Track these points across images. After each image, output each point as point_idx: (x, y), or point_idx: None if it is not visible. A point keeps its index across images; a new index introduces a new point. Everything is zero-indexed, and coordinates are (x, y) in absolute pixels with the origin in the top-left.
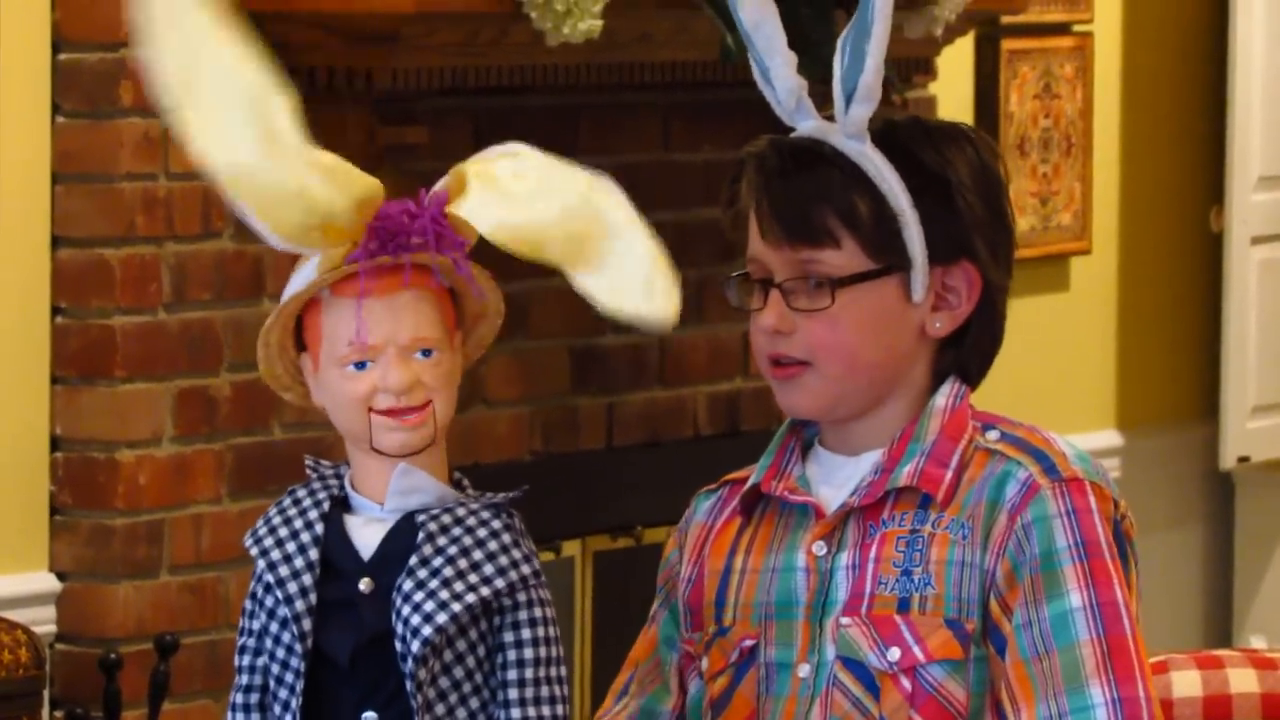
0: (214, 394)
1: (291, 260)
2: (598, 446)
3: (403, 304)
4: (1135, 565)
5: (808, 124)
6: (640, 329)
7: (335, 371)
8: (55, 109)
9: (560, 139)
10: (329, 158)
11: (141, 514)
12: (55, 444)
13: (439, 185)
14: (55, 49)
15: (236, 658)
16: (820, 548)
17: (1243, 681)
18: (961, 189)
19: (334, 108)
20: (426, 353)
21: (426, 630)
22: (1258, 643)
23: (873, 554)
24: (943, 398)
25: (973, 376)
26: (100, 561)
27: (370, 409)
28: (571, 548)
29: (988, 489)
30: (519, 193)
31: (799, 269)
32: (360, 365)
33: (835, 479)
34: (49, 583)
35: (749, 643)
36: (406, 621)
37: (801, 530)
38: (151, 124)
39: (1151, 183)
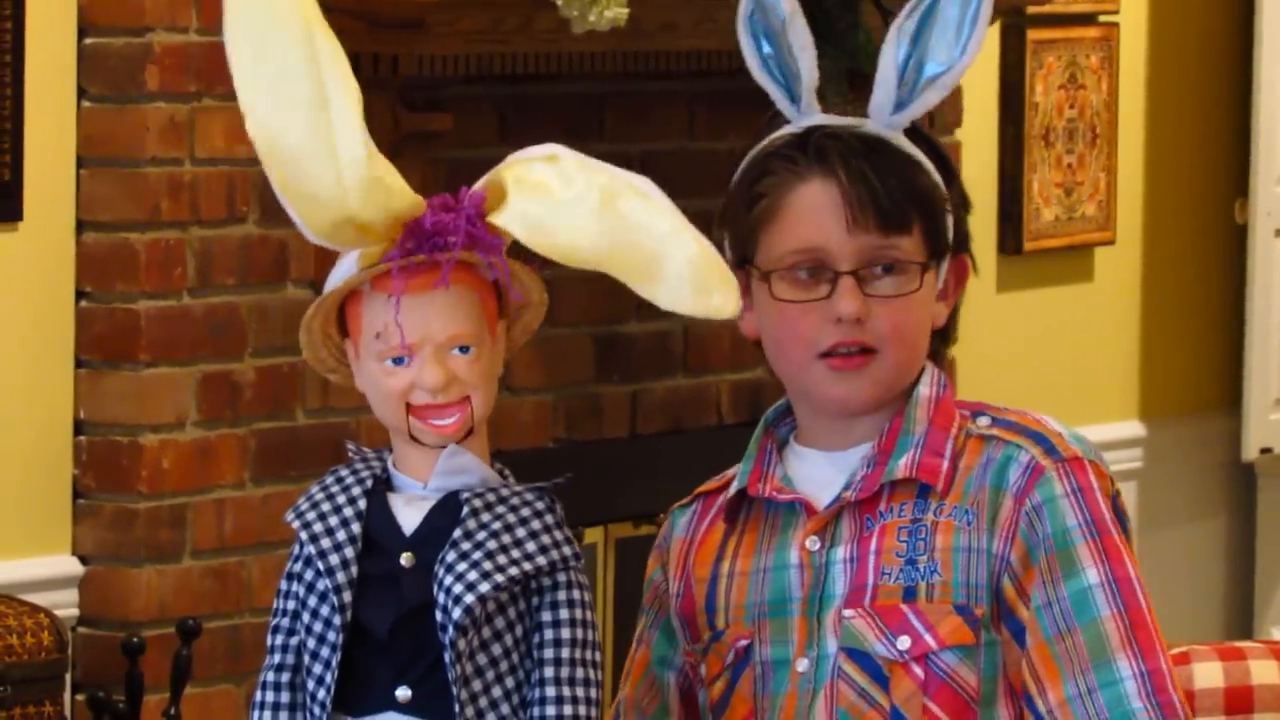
0: (238, 378)
1: (315, 247)
2: (621, 434)
3: (440, 301)
4: (1131, 539)
5: (815, 119)
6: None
7: (374, 365)
8: (81, 93)
9: (585, 127)
10: (381, 169)
11: (164, 498)
12: (79, 428)
13: (477, 185)
14: (81, 34)
15: (269, 637)
16: (814, 543)
17: (1265, 673)
18: (961, 184)
19: None
20: (464, 349)
21: (469, 599)
22: (1279, 634)
23: (873, 546)
24: (926, 387)
25: (941, 365)
26: (123, 545)
27: (408, 404)
28: (594, 535)
29: (990, 475)
30: (558, 204)
31: (872, 256)
32: (398, 361)
33: (821, 476)
34: (72, 566)
35: (743, 643)
36: (449, 591)
37: (791, 528)
38: (177, 108)
39: (1176, 174)
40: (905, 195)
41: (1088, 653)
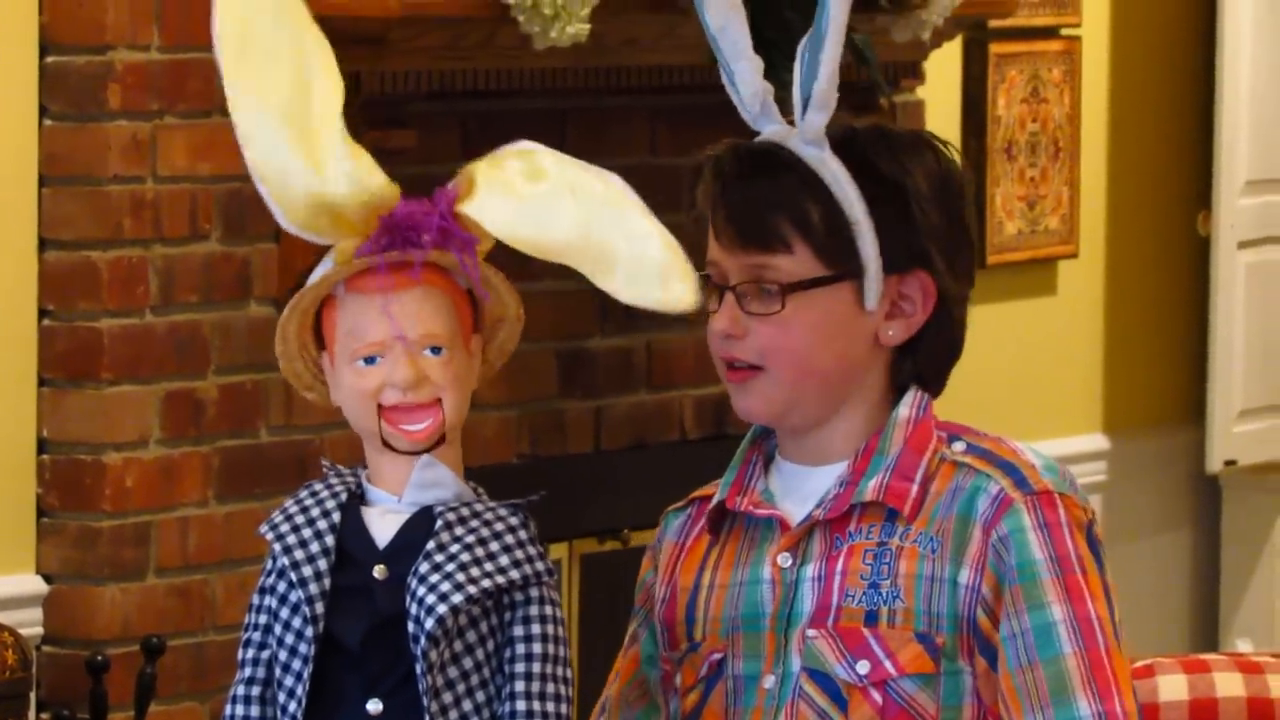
0: (201, 396)
1: (279, 264)
2: (585, 450)
3: (413, 300)
4: (1105, 568)
5: (771, 128)
6: (666, 316)
7: (347, 367)
8: (43, 111)
9: (547, 143)
10: (356, 155)
11: (128, 516)
12: (42, 446)
13: (451, 183)
14: (43, 52)
15: (240, 651)
16: (785, 559)
17: (1229, 685)
18: (919, 198)
19: None
20: (436, 350)
21: (441, 609)
22: (1244, 646)
23: (839, 566)
24: (906, 408)
25: (932, 385)
26: (87, 564)
27: (380, 405)
28: (559, 551)
29: (958, 503)
30: (528, 195)
31: (752, 273)
32: (370, 360)
33: (799, 491)
34: (36, 585)
35: (716, 656)
36: (421, 601)
37: (767, 543)
38: (139, 126)
39: (1139, 187)
40: (776, 214)
41: (1048, 689)
